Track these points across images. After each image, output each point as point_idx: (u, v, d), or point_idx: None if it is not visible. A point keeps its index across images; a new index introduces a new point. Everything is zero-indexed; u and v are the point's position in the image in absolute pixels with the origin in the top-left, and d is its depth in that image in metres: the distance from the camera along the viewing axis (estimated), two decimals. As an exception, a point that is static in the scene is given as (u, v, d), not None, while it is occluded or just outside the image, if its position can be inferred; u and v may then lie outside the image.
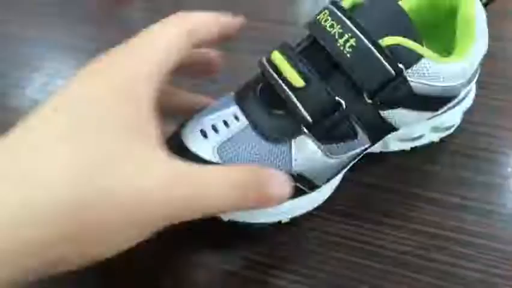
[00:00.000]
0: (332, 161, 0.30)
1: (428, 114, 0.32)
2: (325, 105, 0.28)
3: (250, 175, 0.24)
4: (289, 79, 0.28)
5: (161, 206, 0.22)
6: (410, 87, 0.28)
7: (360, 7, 0.29)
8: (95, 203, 0.20)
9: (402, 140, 0.34)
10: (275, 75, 0.28)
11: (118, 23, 0.51)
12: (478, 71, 0.34)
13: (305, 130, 0.28)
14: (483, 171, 0.34)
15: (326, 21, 0.28)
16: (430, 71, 0.28)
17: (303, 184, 0.29)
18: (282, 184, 0.25)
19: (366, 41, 0.27)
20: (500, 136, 0.37)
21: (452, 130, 0.36)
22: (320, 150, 0.29)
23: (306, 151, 0.28)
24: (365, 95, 0.28)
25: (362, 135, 0.29)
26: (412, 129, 0.34)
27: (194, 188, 0.22)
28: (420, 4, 0.34)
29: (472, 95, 0.36)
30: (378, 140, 0.31)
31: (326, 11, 0.29)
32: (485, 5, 0.32)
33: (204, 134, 0.29)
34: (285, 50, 0.29)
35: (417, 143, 0.35)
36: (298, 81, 0.28)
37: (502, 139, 0.36)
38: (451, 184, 0.34)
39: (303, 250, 0.31)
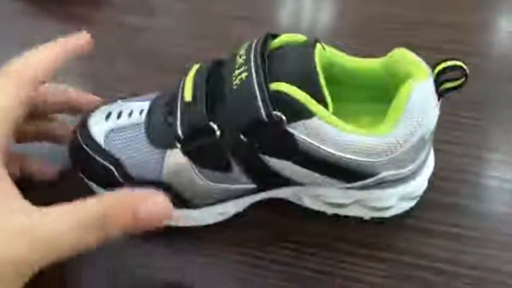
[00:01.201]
0: (213, 186, 0.29)
1: (337, 182, 0.29)
2: (198, 126, 0.27)
3: (106, 207, 0.24)
4: (184, 92, 0.28)
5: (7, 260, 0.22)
6: (294, 141, 0.26)
7: (281, 50, 0.28)
8: None
9: (321, 202, 0.32)
10: (181, 86, 0.29)
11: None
12: (425, 153, 0.29)
13: (177, 144, 0.28)
14: (448, 192, 0.33)
15: (242, 50, 0.28)
16: (325, 134, 0.26)
17: (173, 196, 0.30)
18: (155, 205, 0.25)
19: (255, 78, 0.26)
20: (468, 154, 0.36)
21: (387, 213, 0.32)
22: (192, 170, 0.29)
23: (176, 164, 0.29)
24: (238, 133, 0.27)
25: (238, 172, 0.28)
26: (331, 195, 0.31)
27: (42, 235, 0.23)
28: (381, 68, 0.30)
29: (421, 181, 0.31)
30: (269, 186, 0.30)
31: (254, 41, 0.28)
32: (439, 95, 0.28)
33: (108, 116, 0.31)
34: (203, 66, 0.29)
35: (340, 211, 0.32)
36: (188, 96, 0.28)
37: (471, 158, 0.36)
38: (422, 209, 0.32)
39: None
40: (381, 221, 0.32)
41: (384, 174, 0.28)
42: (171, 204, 0.25)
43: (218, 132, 0.27)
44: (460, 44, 0.45)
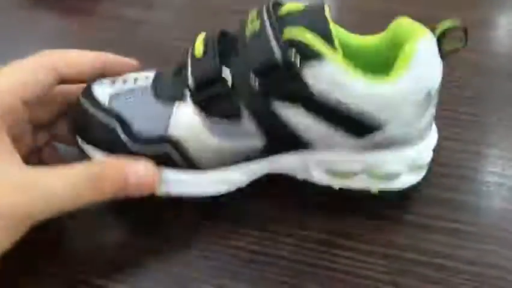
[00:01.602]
0: (216, 142, 0.29)
1: (346, 135, 0.29)
2: (210, 76, 0.28)
3: (99, 170, 0.27)
4: (195, 49, 0.29)
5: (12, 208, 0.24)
6: (306, 84, 0.27)
7: (290, 12, 0.29)
8: None
9: (328, 172, 0.31)
10: (191, 49, 0.30)
11: None
12: (430, 113, 0.30)
13: (188, 96, 0.28)
14: (447, 188, 0.33)
15: (252, 13, 0.29)
16: (335, 79, 0.27)
17: (180, 153, 0.29)
18: (144, 172, 0.28)
19: (268, 25, 0.27)
20: (467, 150, 0.36)
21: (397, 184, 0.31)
22: (199, 121, 0.28)
23: (184, 116, 0.29)
24: (251, 77, 0.27)
25: (248, 123, 0.28)
26: (340, 160, 0.30)
27: (39, 191, 0.25)
28: (382, 42, 0.32)
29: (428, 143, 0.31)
30: (278, 144, 0.30)
31: (263, 5, 0.29)
32: (442, 56, 0.29)
33: (113, 82, 0.31)
34: (215, 33, 0.30)
35: (348, 183, 0.31)
36: (199, 52, 0.29)
37: (470, 153, 0.36)
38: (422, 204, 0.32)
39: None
40: (381, 218, 0.31)
41: (392, 128, 0.29)
42: (159, 173, 0.28)
43: (230, 81, 0.28)
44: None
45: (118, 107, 0.30)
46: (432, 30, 0.29)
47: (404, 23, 0.30)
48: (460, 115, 0.39)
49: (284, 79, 0.27)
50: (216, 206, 0.32)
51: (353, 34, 0.32)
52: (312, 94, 0.27)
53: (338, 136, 0.29)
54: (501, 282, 0.28)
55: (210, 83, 0.28)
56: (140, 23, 0.50)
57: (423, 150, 0.31)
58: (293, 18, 0.28)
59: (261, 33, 0.27)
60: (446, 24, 0.28)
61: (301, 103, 0.28)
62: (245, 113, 0.28)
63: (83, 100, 0.30)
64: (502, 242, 0.30)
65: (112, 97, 0.30)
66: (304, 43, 0.26)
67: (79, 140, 0.31)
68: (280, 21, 0.28)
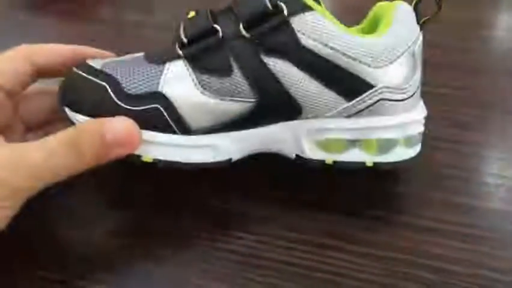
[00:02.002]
0: (206, 99, 0.28)
1: (336, 97, 0.29)
2: (201, 29, 0.29)
3: (76, 133, 0.26)
4: (189, 14, 0.30)
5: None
6: (295, 35, 0.28)
7: None
8: None
9: (320, 145, 0.31)
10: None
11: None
12: (417, 78, 0.30)
13: (179, 51, 0.29)
14: (445, 190, 0.33)
15: None
16: (322, 29, 0.28)
17: (170, 112, 0.28)
18: (121, 127, 0.27)
19: None
20: (465, 151, 0.35)
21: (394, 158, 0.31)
22: (190, 77, 0.28)
23: (175, 74, 0.29)
24: (241, 26, 0.28)
25: (238, 77, 0.28)
26: (331, 128, 0.30)
27: (23, 165, 0.25)
28: (366, 26, 0.33)
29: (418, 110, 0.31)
30: (269, 103, 0.29)
31: None
32: (419, 21, 0.31)
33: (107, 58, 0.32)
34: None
35: (343, 157, 0.31)
36: (191, 15, 0.30)
37: (468, 154, 0.35)
38: (420, 206, 0.32)
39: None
40: (376, 219, 0.31)
41: (381, 86, 0.29)
42: (138, 129, 0.27)
43: (221, 33, 0.28)
44: (458, 40, 0.45)
45: (110, 69, 0.30)
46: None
47: (383, 5, 0.32)
48: (459, 116, 0.38)
49: (273, 29, 0.28)
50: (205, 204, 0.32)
51: (338, 22, 0.32)
52: (300, 46, 0.28)
53: (329, 97, 0.29)
54: (498, 284, 0.28)
55: (201, 37, 0.29)
56: (141, 27, 0.50)
57: (415, 119, 0.31)
58: None
59: None
60: None
61: (290, 56, 0.28)
62: (235, 67, 0.28)
63: (76, 69, 0.30)
64: (501, 244, 0.29)
65: (105, 64, 0.30)
66: None
67: (68, 111, 0.30)
68: None
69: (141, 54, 0.31)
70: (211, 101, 0.29)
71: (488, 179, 0.33)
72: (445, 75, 0.42)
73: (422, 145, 0.32)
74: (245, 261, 0.29)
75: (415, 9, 0.30)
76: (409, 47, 0.29)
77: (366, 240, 0.30)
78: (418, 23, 0.30)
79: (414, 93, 0.30)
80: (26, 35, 0.49)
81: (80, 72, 0.30)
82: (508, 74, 0.42)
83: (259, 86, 0.29)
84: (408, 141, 0.31)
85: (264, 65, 0.28)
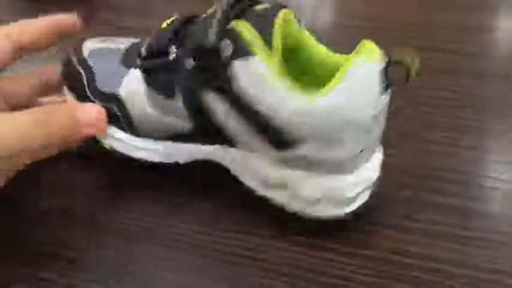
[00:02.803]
0: (152, 111, 0.30)
1: (264, 144, 0.28)
2: (159, 47, 0.30)
3: (49, 110, 0.28)
4: (162, 25, 0.31)
5: None
6: (231, 77, 0.27)
7: (256, 9, 0.29)
8: None
9: (253, 177, 0.30)
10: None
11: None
12: (355, 147, 0.27)
13: (138, 61, 0.31)
14: (443, 192, 0.33)
15: None
16: (258, 78, 0.26)
17: (123, 113, 0.32)
18: (93, 110, 0.30)
19: (219, 11, 0.27)
20: (462, 154, 0.35)
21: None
22: (143, 90, 0.30)
23: (133, 81, 0.31)
24: (187, 57, 0.29)
25: (179, 100, 0.29)
26: (261, 168, 0.30)
27: None
28: (344, 61, 0.29)
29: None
30: (205, 132, 0.30)
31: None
32: (386, 83, 0.26)
33: (104, 40, 0.35)
34: None
35: (270, 194, 0.30)
36: (165, 25, 0.31)
37: (462, 157, 0.35)
38: (416, 208, 0.32)
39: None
40: (372, 223, 0.31)
41: (308, 147, 0.27)
42: (105, 117, 0.30)
43: (173, 56, 0.29)
44: (457, 44, 0.45)
45: (92, 61, 0.33)
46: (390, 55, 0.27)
47: (367, 45, 0.27)
48: (456, 119, 0.39)
49: (213, 67, 0.28)
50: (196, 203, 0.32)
51: (324, 48, 0.31)
52: (236, 89, 0.27)
53: (259, 143, 0.29)
54: (495, 285, 0.28)
55: (156, 54, 0.30)
56: (140, 32, 0.50)
57: (346, 184, 0.29)
58: (250, 12, 0.28)
59: (211, 17, 0.28)
60: (397, 54, 0.26)
61: (227, 96, 0.28)
62: (177, 92, 0.29)
63: (70, 51, 0.35)
64: (499, 246, 0.30)
65: (93, 50, 0.34)
66: (240, 36, 0.27)
67: (66, 89, 0.34)
68: (242, 13, 0.28)
69: (127, 45, 0.34)
70: (156, 114, 0.31)
71: (485, 182, 0.34)
72: (445, 79, 0.42)
73: (420, 148, 0.34)
74: (235, 261, 0.29)
75: (385, 70, 0.26)
76: (352, 116, 0.26)
77: (360, 241, 0.30)
78: (385, 86, 0.26)
79: (351, 157, 0.28)
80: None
81: (72, 57, 0.34)
82: (507, 78, 0.42)
83: (195, 115, 0.30)
84: (337, 202, 0.29)
85: (202, 97, 0.29)
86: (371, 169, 0.29)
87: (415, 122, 0.38)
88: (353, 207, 0.29)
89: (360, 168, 0.29)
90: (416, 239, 0.30)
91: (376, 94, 0.26)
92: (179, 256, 0.29)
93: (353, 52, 0.28)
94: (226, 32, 0.27)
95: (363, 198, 0.30)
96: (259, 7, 0.29)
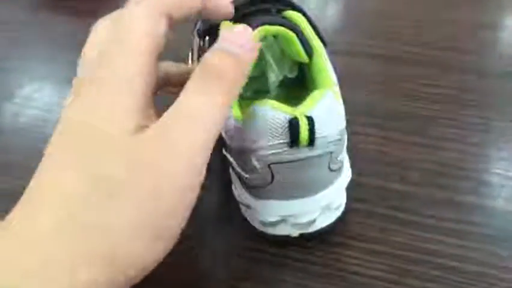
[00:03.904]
0: None
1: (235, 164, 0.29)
2: None
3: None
4: None
5: None
6: None
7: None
8: None
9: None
10: None
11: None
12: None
13: None
14: (448, 188, 0.33)
15: None
16: None
17: None
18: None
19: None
20: (468, 151, 0.36)
21: None
22: None
23: None
24: None
25: None
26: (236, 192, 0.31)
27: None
28: None
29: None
30: None
31: None
32: None
33: None
34: None
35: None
36: None
37: (471, 154, 0.36)
38: (424, 204, 0.32)
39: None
40: (381, 219, 0.32)
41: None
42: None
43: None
44: (459, 42, 0.45)
45: None
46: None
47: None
48: (461, 117, 0.39)
49: None
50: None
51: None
52: None
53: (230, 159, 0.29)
54: (502, 283, 0.28)
55: None
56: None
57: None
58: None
59: None
60: None
61: None
62: None
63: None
64: (504, 243, 0.30)
65: None
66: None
67: None
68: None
69: None
70: None
71: (491, 179, 0.34)
72: (453, 77, 0.42)
73: (428, 145, 0.34)
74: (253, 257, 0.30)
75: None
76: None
77: (371, 237, 0.31)
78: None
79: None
80: (36, 33, 0.49)
81: None
82: (509, 74, 0.42)
83: None
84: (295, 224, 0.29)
85: None
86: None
87: (420, 118, 0.38)
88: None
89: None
90: (425, 234, 0.31)
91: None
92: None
93: None
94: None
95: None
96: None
